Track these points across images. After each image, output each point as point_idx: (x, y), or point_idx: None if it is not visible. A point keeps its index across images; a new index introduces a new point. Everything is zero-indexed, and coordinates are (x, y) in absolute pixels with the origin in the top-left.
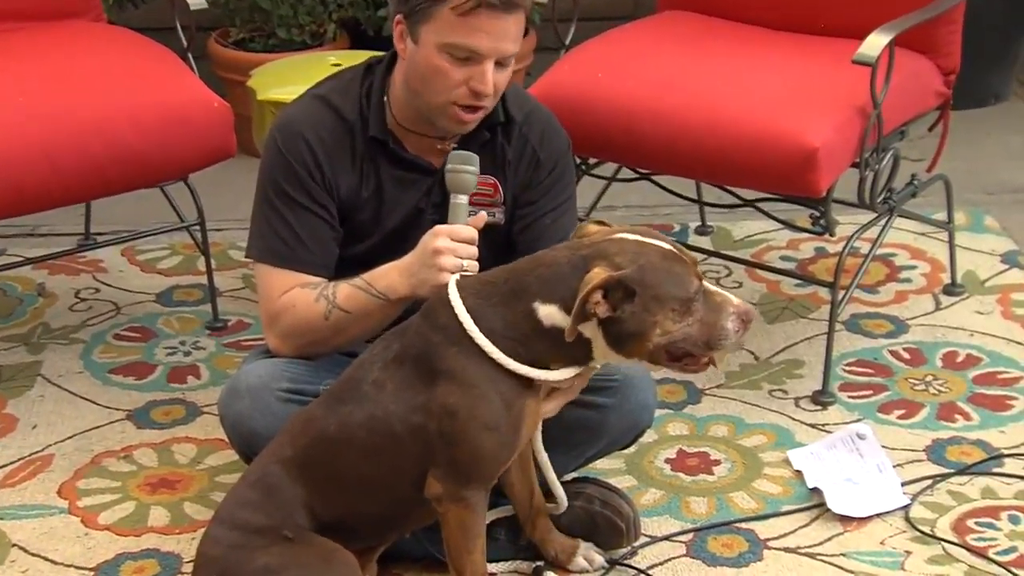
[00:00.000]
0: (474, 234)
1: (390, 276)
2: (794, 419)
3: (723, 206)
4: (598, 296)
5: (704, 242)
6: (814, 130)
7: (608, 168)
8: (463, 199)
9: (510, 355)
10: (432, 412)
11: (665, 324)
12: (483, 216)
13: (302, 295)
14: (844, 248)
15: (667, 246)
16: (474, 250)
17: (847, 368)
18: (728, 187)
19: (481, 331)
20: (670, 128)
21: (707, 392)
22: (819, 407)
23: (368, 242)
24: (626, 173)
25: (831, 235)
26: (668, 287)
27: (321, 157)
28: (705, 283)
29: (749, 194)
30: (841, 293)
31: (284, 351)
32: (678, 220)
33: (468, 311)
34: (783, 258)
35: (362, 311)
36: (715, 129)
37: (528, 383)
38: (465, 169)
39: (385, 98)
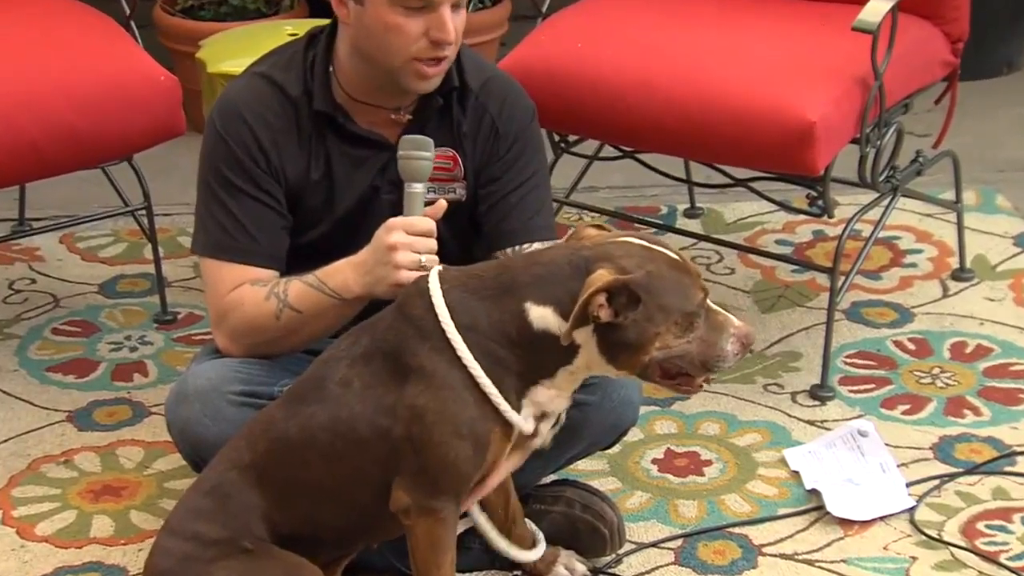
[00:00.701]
0: (432, 226)
1: (344, 273)
2: (790, 416)
3: (713, 186)
4: (601, 299)
5: (693, 225)
6: (811, 103)
7: (589, 146)
8: (418, 188)
9: (486, 362)
10: (399, 414)
11: (666, 337)
12: (442, 205)
13: (251, 293)
14: (844, 231)
15: (674, 255)
16: (433, 243)
17: (848, 360)
18: (719, 165)
19: (459, 327)
20: (656, 102)
21: None
22: (817, 402)
23: (320, 228)
24: (609, 151)
25: (830, 217)
26: (674, 298)
27: (264, 140)
28: (708, 301)
29: (741, 173)
30: (841, 279)
31: (234, 351)
32: (665, 201)
33: (448, 305)
34: (778, 242)
35: (315, 311)
36: (704, 102)
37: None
38: (419, 155)
39: (331, 68)
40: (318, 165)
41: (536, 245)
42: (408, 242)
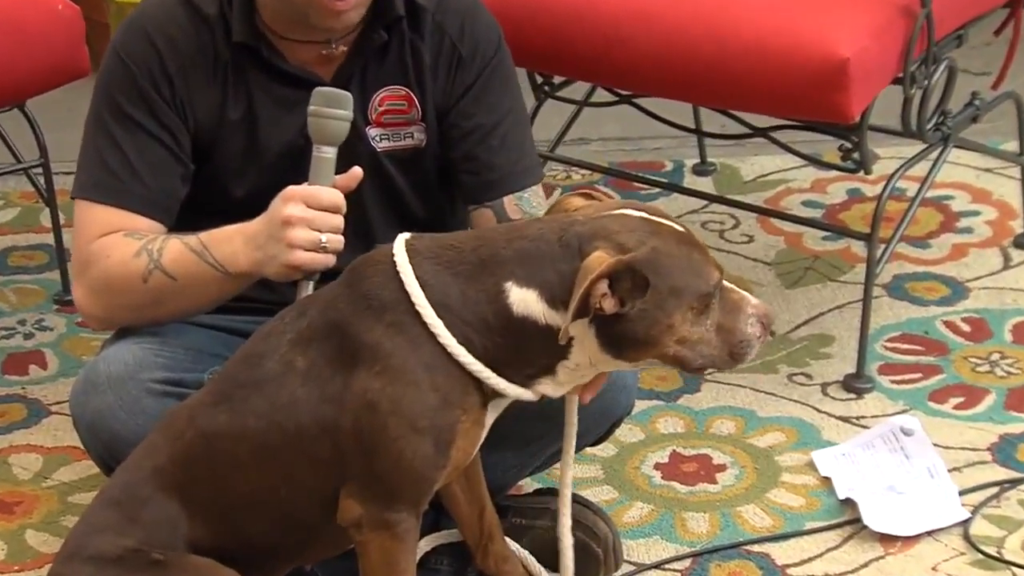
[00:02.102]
0: (339, 200)
1: (233, 243)
2: (820, 411)
3: (728, 137)
4: (604, 286)
5: (704, 184)
6: (843, 36)
7: (578, 89)
8: (329, 152)
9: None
10: (347, 403)
11: (682, 327)
12: (357, 173)
13: (122, 243)
14: (885, 190)
15: (680, 228)
16: (338, 221)
17: (889, 345)
18: (734, 112)
19: (430, 304)
20: (658, 35)
21: (707, 377)
22: (853, 395)
23: (247, 180)
24: (602, 95)
25: (867, 173)
26: (688, 278)
27: (171, 66)
28: (724, 280)
29: (761, 121)
30: (881, 248)
31: (91, 309)
32: (670, 156)
33: (418, 278)
34: (806, 203)
35: (191, 280)
36: (716, 35)
37: (474, 390)
38: (332, 113)
39: None
40: (237, 103)
41: (528, 192)
42: (308, 217)
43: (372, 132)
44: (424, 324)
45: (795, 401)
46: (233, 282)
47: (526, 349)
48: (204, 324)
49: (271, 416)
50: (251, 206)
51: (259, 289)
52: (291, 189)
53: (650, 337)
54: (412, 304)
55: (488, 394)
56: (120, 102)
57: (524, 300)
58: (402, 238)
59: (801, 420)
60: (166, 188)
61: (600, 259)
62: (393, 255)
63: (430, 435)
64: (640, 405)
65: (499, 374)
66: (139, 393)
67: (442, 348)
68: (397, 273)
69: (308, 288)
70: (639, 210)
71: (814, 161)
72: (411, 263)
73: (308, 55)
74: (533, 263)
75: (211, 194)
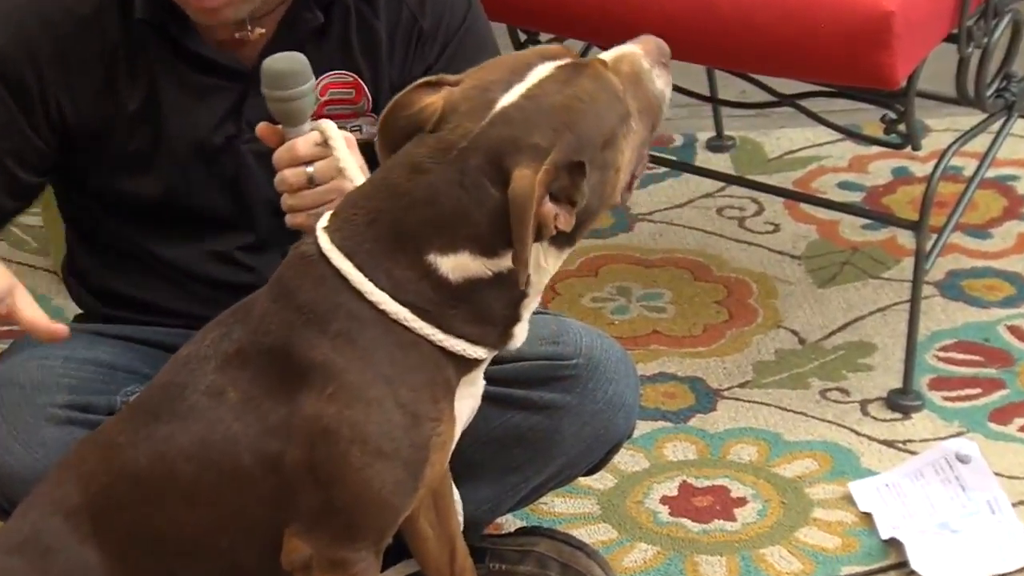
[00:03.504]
0: None
1: None
2: (859, 434)
3: (749, 105)
4: (549, 207)
5: (721, 161)
6: None
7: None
8: (305, 129)
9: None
10: (295, 433)
11: (624, 160)
12: None
13: None
14: (936, 169)
15: (550, 66)
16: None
17: (942, 354)
18: (756, 76)
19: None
20: None
21: (725, 393)
22: (898, 415)
23: (150, 182)
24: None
25: (916, 149)
26: (608, 114)
27: (44, 51)
28: (600, 59)
29: (788, 87)
30: (932, 238)
31: None
32: (680, 128)
33: (359, 267)
34: (842, 185)
35: None
36: None
37: (444, 376)
38: (289, 95)
39: None
40: (135, 91)
41: None
42: None
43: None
44: (375, 325)
45: (829, 422)
46: None
47: (484, 309)
48: (117, 336)
49: (203, 456)
50: (169, 205)
51: (184, 302)
52: None
53: (606, 200)
54: (354, 306)
55: (460, 372)
56: None
57: (457, 266)
58: (322, 229)
59: (836, 445)
60: None
61: (525, 180)
62: (317, 254)
63: (400, 458)
64: (643, 426)
65: (469, 342)
66: (37, 421)
67: (400, 343)
68: (327, 274)
69: None
70: (502, 78)
71: (852, 135)
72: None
73: (223, 34)
74: (445, 224)
75: (117, 194)
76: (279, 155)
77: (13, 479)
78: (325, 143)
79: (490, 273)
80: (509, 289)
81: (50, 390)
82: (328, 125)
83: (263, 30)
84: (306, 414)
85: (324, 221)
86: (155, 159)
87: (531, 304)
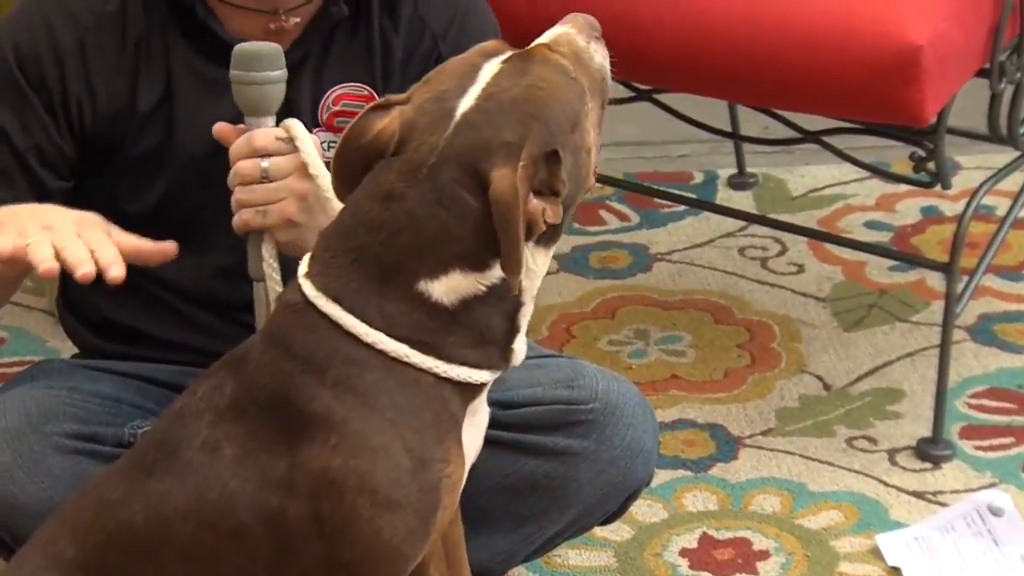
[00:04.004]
0: None
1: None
2: (887, 484)
3: (773, 142)
4: (535, 203)
5: (743, 199)
6: (916, 17)
7: None
8: (264, 124)
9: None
10: (299, 486)
11: (591, 139)
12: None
13: None
14: (968, 208)
15: (498, 61)
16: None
17: (974, 402)
18: (780, 112)
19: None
20: (687, 17)
21: (747, 441)
22: (928, 464)
23: (159, 186)
24: (615, 90)
25: (946, 187)
26: (571, 99)
27: (66, 42)
28: (541, 43)
29: (814, 123)
30: (963, 281)
31: None
32: (700, 165)
33: (349, 310)
34: (870, 224)
35: None
36: (758, 17)
37: (450, 409)
38: (259, 78)
39: None
40: (151, 87)
41: None
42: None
43: (321, 136)
44: (374, 367)
45: (856, 472)
46: None
47: (483, 328)
48: (120, 372)
49: (201, 514)
50: (173, 215)
51: (184, 332)
52: None
53: (583, 183)
54: (350, 350)
55: (464, 402)
56: None
57: (450, 288)
58: (303, 274)
59: (863, 496)
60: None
61: (505, 180)
62: (303, 302)
63: (410, 505)
64: (661, 475)
65: (472, 367)
66: (43, 449)
67: (401, 384)
68: (318, 321)
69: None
70: (453, 85)
71: (879, 172)
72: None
73: (251, 26)
74: (429, 247)
75: (120, 206)
76: (236, 146)
77: (17, 510)
78: (290, 142)
79: (484, 288)
80: (505, 301)
81: (57, 418)
82: (295, 124)
83: (298, 20)
84: (309, 467)
85: (304, 267)
86: (164, 160)
87: (528, 312)
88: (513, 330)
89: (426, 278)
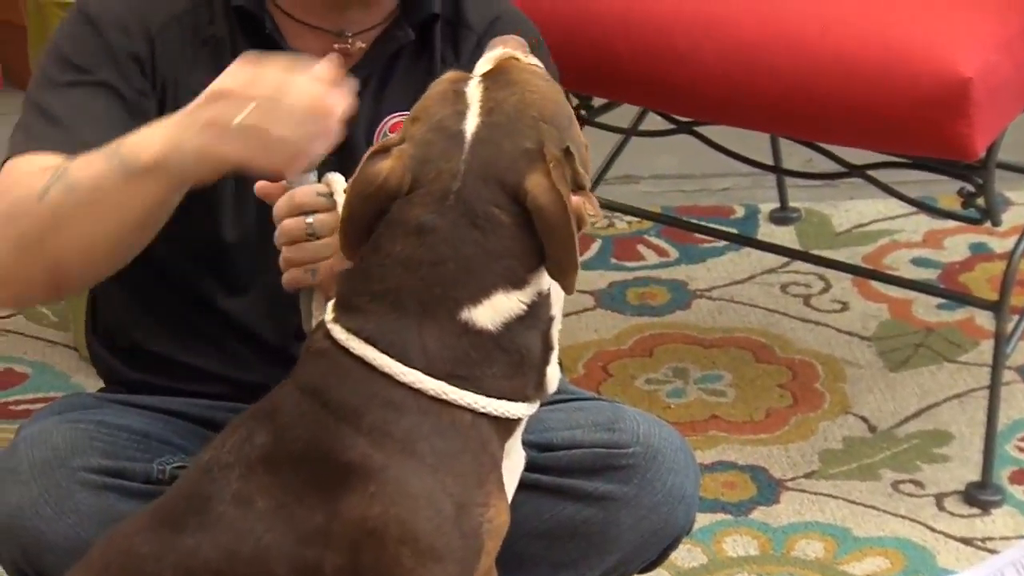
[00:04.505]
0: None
1: (151, 131)
2: (934, 530)
3: (816, 176)
4: (576, 199)
5: (785, 234)
6: (965, 48)
7: (625, 114)
8: (308, 182)
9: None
10: (337, 538)
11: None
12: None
13: (29, 173)
14: (1018, 245)
15: (472, 82)
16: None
17: None
18: (823, 145)
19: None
20: (729, 48)
21: (789, 484)
22: (977, 510)
23: (234, 212)
24: (655, 122)
25: (996, 224)
26: (556, 93)
27: (152, 26)
28: (504, 57)
29: (858, 156)
30: (1014, 320)
31: None
32: (742, 199)
33: (385, 351)
34: (916, 261)
35: (90, 187)
36: (802, 48)
37: (490, 449)
38: None
39: None
40: None
41: None
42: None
43: None
44: (412, 409)
45: (902, 517)
46: (140, 187)
47: (523, 351)
48: (148, 407)
49: (233, 570)
50: (246, 243)
51: (219, 362)
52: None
53: (587, 170)
54: (387, 393)
55: (502, 439)
56: (71, 58)
57: (494, 311)
58: (331, 321)
59: (909, 541)
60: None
61: (543, 185)
62: (332, 347)
63: (453, 553)
64: (701, 519)
65: (513, 400)
66: (70, 484)
67: (439, 427)
68: (351, 365)
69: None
70: (446, 112)
71: (927, 208)
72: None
73: (315, 46)
74: (471, 273)
75: (190, 227)
76: (279, 205)
77: (42, 546)
78: (331, 196)
79: (524, 306)
80: (540, 319)
81: (84, 452)
82: (336, 179)
83: (363, 45)
84: (348, 517)
85: (329, 314)
86: (243, 183)
87: (558, 327)
88: (548, 349)
89: (469, 305)
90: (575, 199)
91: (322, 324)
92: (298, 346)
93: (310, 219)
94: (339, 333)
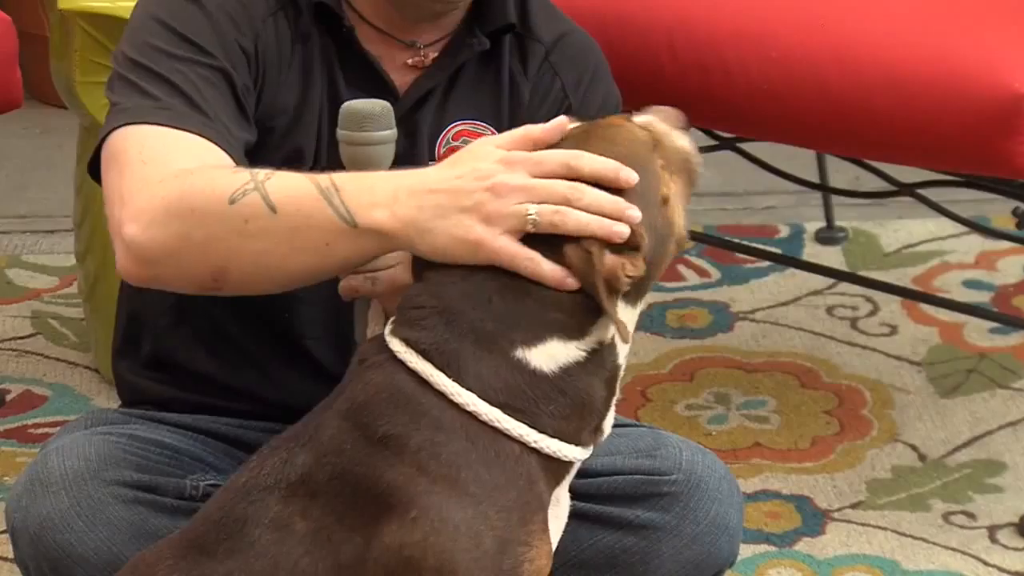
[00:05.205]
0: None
1: (378, 190)
2: (987, 563)
3: (864, 195)
4: (613, 258)
5: (832, 255)
6: (1020, 64)
7: None
8: None
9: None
10: (375, 566)
11: (672, 192)
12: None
13: (204, 163)
14: None
15: (552, 125)
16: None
17: None
18: (871, 162)
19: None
20: (773, 62)
21: (835, 515)
22: None
23: None
24: (696, 138)
25: None
26: (637, 152)
27: (257, 15)
28: (623, 116)
29: (908, 175)
30: None
31: (141, 239)
32: (787, 218)
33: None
34: (968, 283)
35: (294, 217)
36: (849, 63)
37: (538, 490)
38: (369, 138)
39: None
40: (314, 90)
41: None
42: (530, 186)
43: None
44: (462, 434)
45: (953, 549)
46: (350, 242)
47: (584, 395)
48: (178, 424)
49: None
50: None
51: (259, 382)
52: (499, 138)
53: (664, 234)
54: (437, 413)
55: (551, 483)
56: (179, 30)
57: (548, 356)
58: (390, 334)
59: (961, 575)
60: (234, 133)
61: (575, 246)
62: (389, 361)
63: None
64: (743, 550)
65: (563, 440)
66: (103, 496)
67: (487, 458)
68: (405, 381)
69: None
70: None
71: (979, 228)
72: (419, 352)
73: (387, 53)
74: (519, 315)
75: None
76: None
77: (73, 559)
78: None
79: (584, 354)
80: (604, 368)
81: (118, 465)
82: None
83: (435, 55)
84: (387, 543)
85: (388, 326)
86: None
87: (622, 375)
88: (610, 395)
89: (522, 346)
90: (611, 259)
91: (377, 337)
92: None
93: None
94: (397, 346)
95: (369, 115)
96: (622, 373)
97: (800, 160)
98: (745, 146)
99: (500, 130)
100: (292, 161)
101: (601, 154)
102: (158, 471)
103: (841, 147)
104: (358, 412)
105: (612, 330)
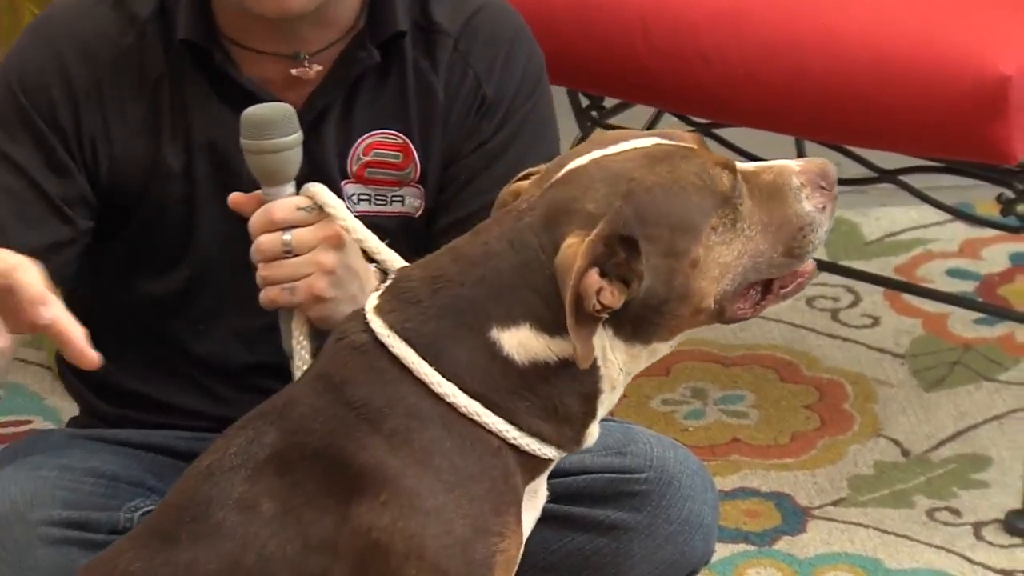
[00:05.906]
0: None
1: None
2: (972, 561)
3: (845, 182)
4: (595, 279)
5: None
6: (1003, 46)
7: (639, 115)
8: (284, 192)
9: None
10: (344, 545)
11: (711, 258)
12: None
13: None
14: None
15: (650, 142)
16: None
17: None
18: (852, 148)
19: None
20: (752, 47)
21: (816, 512)
22: (1018, 539)
23: (185, 264)
24: (670, 123)
25: None
26: (689, 197)
27: (80, 80)
28: (740, 166)
29: (890, 161)
30: None
31: None
32: None
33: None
34: (952, 273)
35: None
36: (830, 47)
37: (512, 484)
38: (271, 145)
39: None
40: (175, 139)
41: None
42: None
43: (349, 190)
44: (437, 422)
45: (937, 547)
46: None
47: (557, 403)
48: (120, 441)
49: None
50: (202, 279)
51: (195, 398)
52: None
53: (678, 293)
54: (415, 400)
55: (527, 477)
56: None
57: (520, 343)
58: (373, 311)
59: (946, 573)
60: (42, 248)
61: (571, 248)
62: (370, 342)
63: (457, 573)
64: (721, 549)
65: (543, 441)
66: (29, 539)
67: (462, 446)
68: (384, 364)
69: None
70: (589, 148)
71: (963, 216)
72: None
73: (271, 72)
74: (502, 292)
75: (144, 267)
76: (254, 219)
77: None
78: (320, 209)
79: (555, 357)
80: (580, 382)
81: (44, 504)
82: (320, 190)
83: (320, 67)
84: (356, 525)
85: (374, 301)
86: (195, 219)
87: (607, 402)
88: (589, 413)
89: (497, 325)
90: (594, 278)
91: (359, 313)
92: (273, 378)
93: (287, 235)
94: (379, 327)
95: (270, 120)
96: (607, 399)
97: (777, 146)
98: (721, 132)
99: (413, 135)
100: (154, 216)
101: (657, 185)
102: (90, 505)
103: (822, 133)
104: (335, 392)
105: (597, 345)
